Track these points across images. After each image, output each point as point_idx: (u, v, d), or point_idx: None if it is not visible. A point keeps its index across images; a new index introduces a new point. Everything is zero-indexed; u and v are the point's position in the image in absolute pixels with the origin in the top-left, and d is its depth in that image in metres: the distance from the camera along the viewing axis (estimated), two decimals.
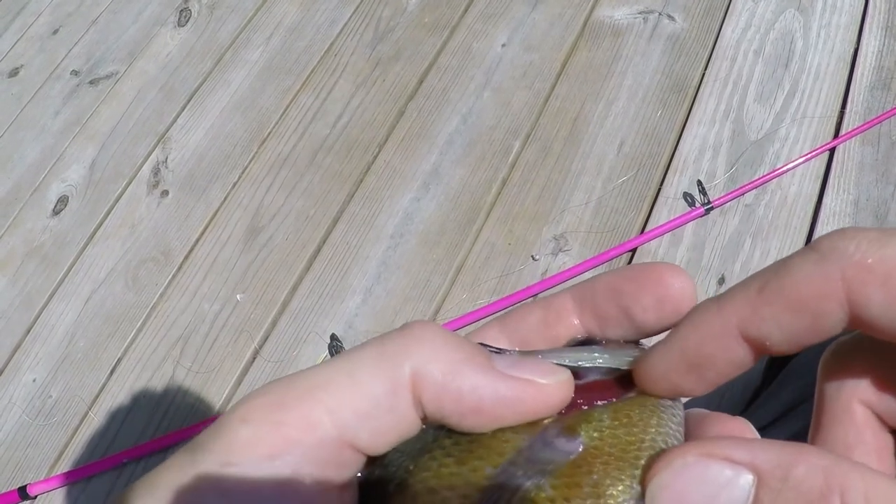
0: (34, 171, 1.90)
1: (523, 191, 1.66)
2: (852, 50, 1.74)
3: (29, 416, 1.57)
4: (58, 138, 1.94)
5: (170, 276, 1.69)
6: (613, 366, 0.36)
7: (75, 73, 2.05)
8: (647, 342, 0.37)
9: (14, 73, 2.10)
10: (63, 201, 1.84)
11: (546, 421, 0.33)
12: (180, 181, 1.81)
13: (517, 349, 0.37)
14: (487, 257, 1.59)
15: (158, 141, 1.88)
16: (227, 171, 1.80)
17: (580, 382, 0.35)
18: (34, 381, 1.62)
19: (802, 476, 0.27)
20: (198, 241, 1.72)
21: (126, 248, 1.75)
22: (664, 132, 1.69)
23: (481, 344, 0.35)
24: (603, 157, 1.68)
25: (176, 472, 0.31)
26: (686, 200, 1.59)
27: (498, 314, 0.43)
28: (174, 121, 1.91)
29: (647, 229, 1.57)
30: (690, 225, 1.55)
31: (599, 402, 0.35)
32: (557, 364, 0.35)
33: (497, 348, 0.35)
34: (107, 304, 1.68)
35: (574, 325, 0.38)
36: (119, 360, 1.62)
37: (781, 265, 0.31)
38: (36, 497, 1.47)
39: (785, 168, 1.58)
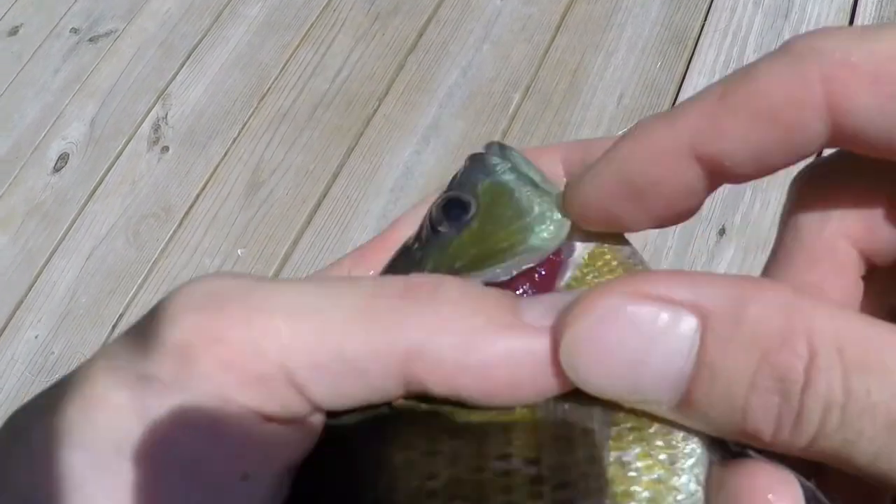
0: (35, 129, 1.90)
1: (523, 143, 1.65)
2: (852, 0, 1.73)
3: (31, 373, 1.58)
4: (58, 96, 1.94)
5: (171, 232, 1.69)
6: (522, 266, 0.31)
7: (75, 30, 2.04)
8: None
9: (14, 31, 2.09)
10: (64, 159, 1.84)
11: None
12: (180, 137, 1.81)
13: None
14: None
15: (158, 97, 1.88)
16: (226, 127, 1.80)
17: (504, 279, 0.30)
18: (36, 337, 1.62)
19: (758, 316, 0.23)
20: (198, 196, 1.73)
21: (127, 205, 1.75)
22: (664, 83, 1.69)
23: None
24: (603, 109, 1.67)
25: (88, 387, 0.26)
26: None
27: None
28: (174, 77, 1.90)
29: None
30: None
31: (547, 283, 0.30)
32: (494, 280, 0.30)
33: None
34: (108, 260, 1.69)
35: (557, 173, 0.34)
36: (121, 316, 1.62)
37: (748, 68, 0.26)
38: None
39: None
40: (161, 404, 0.25)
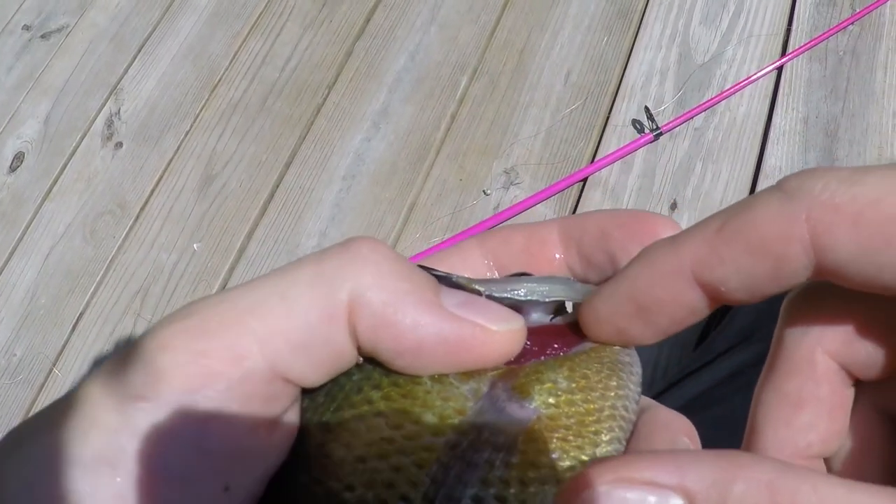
0: None
1: (472, 126, 1.66)
2: None
3: None
4: (11, 94, 1.93)
5: (127, 229, 1.69)
6: (573, 299, 0.33)
7: (27, 27, 2.03)
8: None
9: None
10: (19, 158, 1.83)
11: (491, 373, 0.31)
12: (133, 132, 1.81)
13: (467, 276, 0.33)
14: (440, 194, 1.59)
15: (111, 92, 1.87)
16: (178, 120, 1.80)
17: (530, 325, 0.32)
18: None
19: (743, 495, 0.23)
20: (153, 191, 1.72)
21: (83, 202, 1.75)
22: (611, 59, 1.68)
23: (424, 267, 0.32)
24: (550, 88, 1.67)
25: (82, 406, 0.28)
26: (635, 127, 1.59)
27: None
28: (125, 71, 1.89)
29: (597, 158, 1.57)
30: (641, 151, 1.55)
31: (550, 352, 0.32)
32: (510, 299, 0.32)
33: (444, 273, 0.32)
34: (66, 259, 1.69)
35: (556, 259, 0.36)
36: (81, 315, 1.62)
37: (744, 203, 0.28)
38: None
39: (733, 89, 1.57)
40: (150, 422, 0.27)
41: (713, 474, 0.24)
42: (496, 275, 0.37)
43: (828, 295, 0.32)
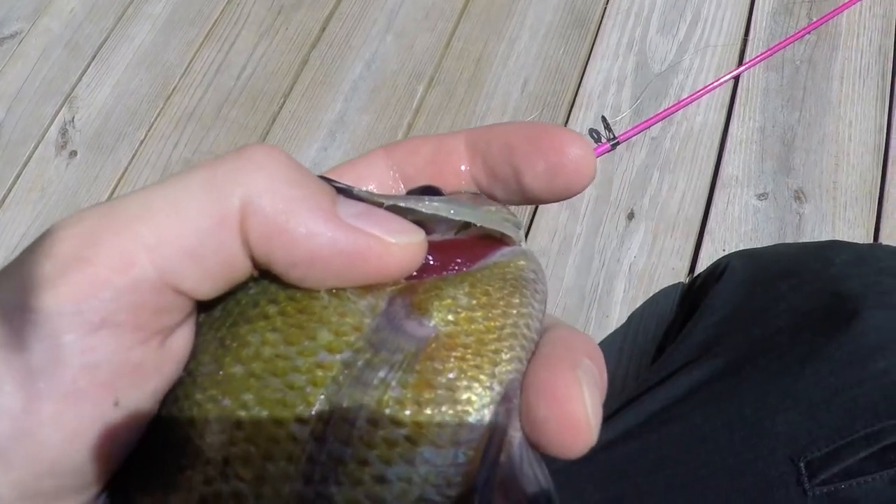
0: None
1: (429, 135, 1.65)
2: None
3: None
4: None
5: None
6: (477, 220, 0.33)
7: None
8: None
9: None
10: None
11: (390, 288, 0.30)
12: (88, 141, 1.79)
13: (372, 188, 0.34)
14: None
15: (65, 100, 1.85)
16: (133, 129, 1.78)
17: (433, 239, 0.32)
18: None
19: None
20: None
21: (37, 213, 1.73)
22: (568, 69, 1.68)
23: (326, 178, 0.31)
24: (507, 97, 1.66)
25: None
26: (592, 136, 1.58)
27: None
28: (80, 79, 1.87)
29: None
30: (598, 161, 1.55)
31: (453, 267, 0.32)
32: (411, 209, 0.31)
33: (346, 185, 0.31)
34: None
35: (462, 171, 0.35)
36: None
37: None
38: None
39: (690, 99, 1.57)
40: (33, 334, 0.26)
41: None
42: (401, 186, 0.36)
43: None
